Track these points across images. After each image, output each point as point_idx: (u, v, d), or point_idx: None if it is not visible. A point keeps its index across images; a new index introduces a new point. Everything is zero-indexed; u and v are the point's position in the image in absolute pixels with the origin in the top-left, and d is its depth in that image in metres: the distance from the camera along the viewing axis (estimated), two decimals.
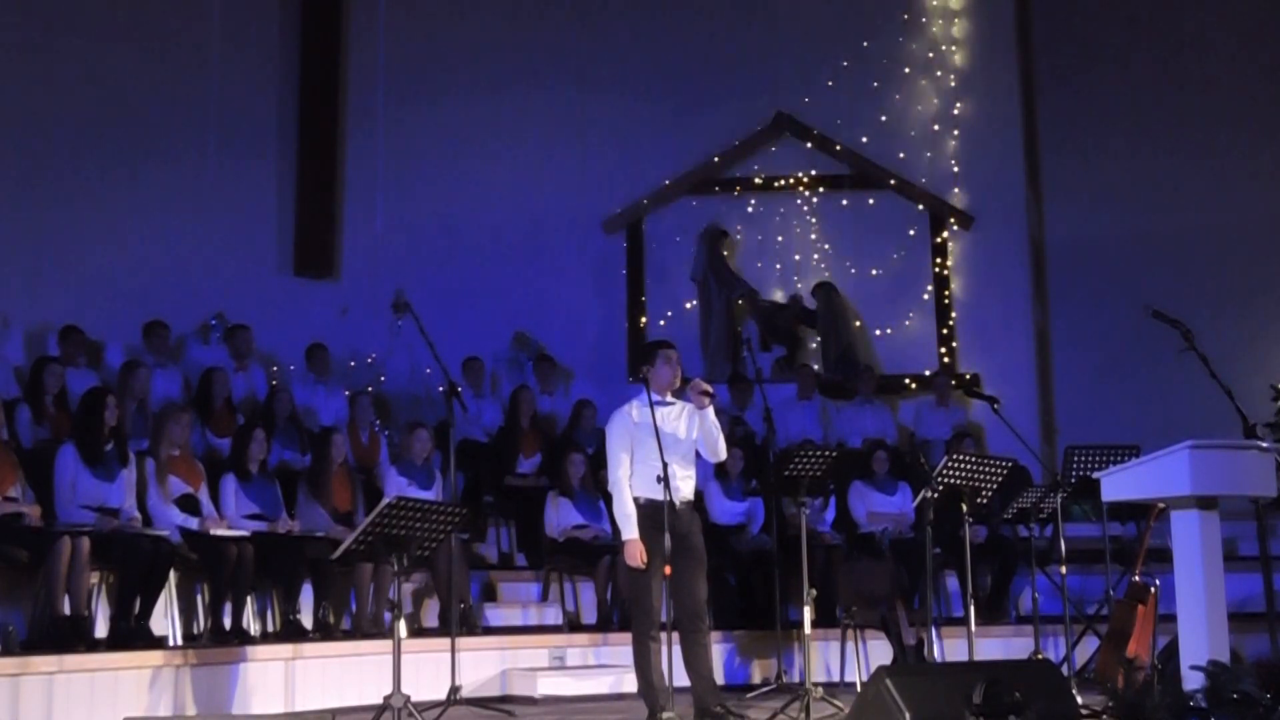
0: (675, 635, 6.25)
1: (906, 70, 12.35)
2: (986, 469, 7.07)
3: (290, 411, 9.42)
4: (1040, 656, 7.57)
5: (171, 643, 7.40)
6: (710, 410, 6.36)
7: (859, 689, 7.53)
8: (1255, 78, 12.20)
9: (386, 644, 6.32)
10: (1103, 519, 8.37)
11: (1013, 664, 6.77)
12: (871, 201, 12.22)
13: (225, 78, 11.36)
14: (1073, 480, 8.62)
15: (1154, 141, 12.23)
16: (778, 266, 12.23)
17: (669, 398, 6.43)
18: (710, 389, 6.30)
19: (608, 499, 6.52)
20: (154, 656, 6.76)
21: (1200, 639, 5.05)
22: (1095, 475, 5.71)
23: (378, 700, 6.29)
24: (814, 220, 12.25)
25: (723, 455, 6.59)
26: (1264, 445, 5.49)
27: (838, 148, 12.18)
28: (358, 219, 11.81)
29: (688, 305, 12.12)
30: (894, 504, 9.44)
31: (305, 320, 10.99)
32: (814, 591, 6.89)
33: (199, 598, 7.78)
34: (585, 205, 12.19)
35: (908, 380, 11.85)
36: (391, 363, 11.09)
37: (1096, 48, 12.60)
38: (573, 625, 8.85)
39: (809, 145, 12.25)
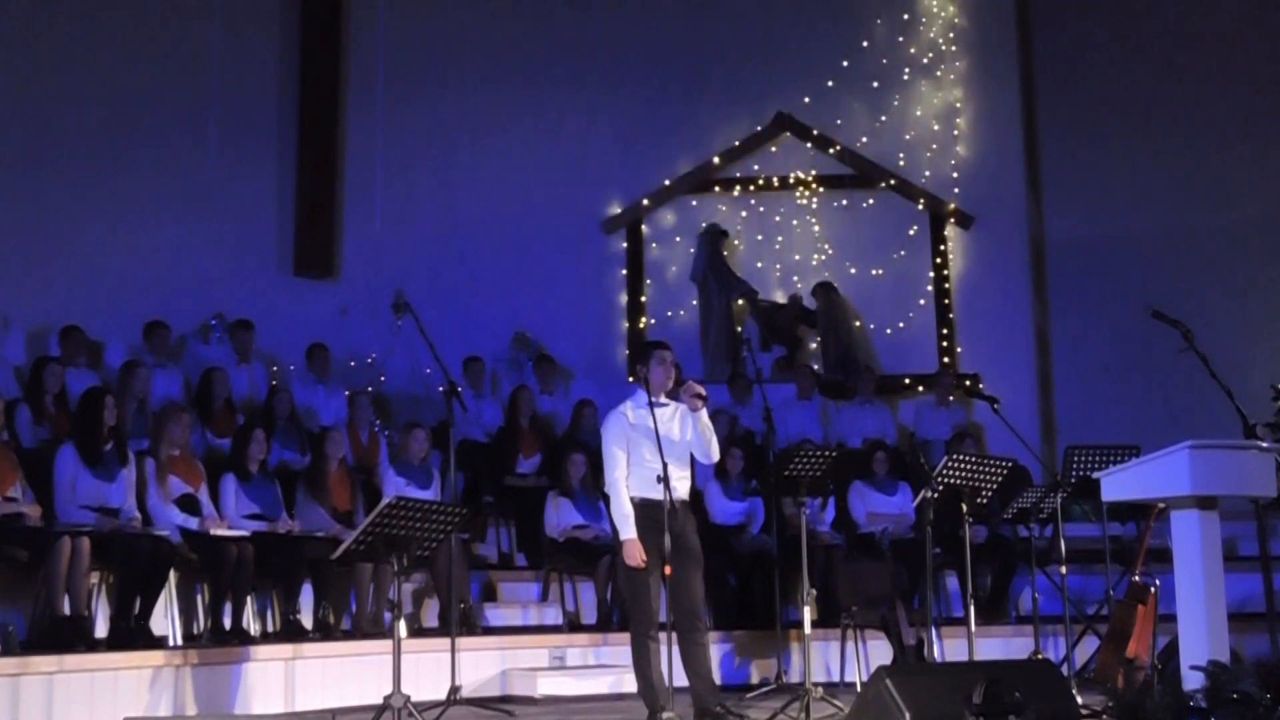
0: (674, 635, 6.25)
1: (906, 70, 12.35)
2: (986, 469, 7.06)
3: (290, 411, 9.43)
4: (1040, 656, 7.56)
5: (171, 643, 7.39)
6: (704, 412, 6.35)
7: (859, 689, 7.53)
8: (1256, 77, 12.20)
9: (386, 644, 6.31)
10: (1103, 519, 8.36)
11: (1013, 664, 6.76)
12: (871, 201, 12.23)
13: (225, 78, 11.37)
14: (1073, 480, 8.61)
15: (1154, 141, 12.23)
16: (778, 266, 12.23)
17: (663, 399, 6.42)
18: (704, 392, 6.29)
19: (607, 499, 6.51)
20: (154, 656, 6.76)
21: (1200, 639, 5.04)
22: (1095, 475, 5.70)
23: (378, 700, 6.28)
24: (814, 220, 12.25)
25: (716, 457, 6.59)
26: (1264, 445, 5.48)
27: (838, 148, 12.19)
28: (358, 219, 11.81)
29: (687, 305, 12.12)
30: (894, 504, 9.43)
31: (305, 320, 10.99)
32: (814, 591, 6.90)
33: (199, 598, 7.78)
34: (585, 205, 12.20)
35: (908, 380, 11.85)
36: (391, 363, 11.08)
37: (1096, 48, 12.61)
38: (573, 625, 8.85)
39: (809, 145, 12.26)
